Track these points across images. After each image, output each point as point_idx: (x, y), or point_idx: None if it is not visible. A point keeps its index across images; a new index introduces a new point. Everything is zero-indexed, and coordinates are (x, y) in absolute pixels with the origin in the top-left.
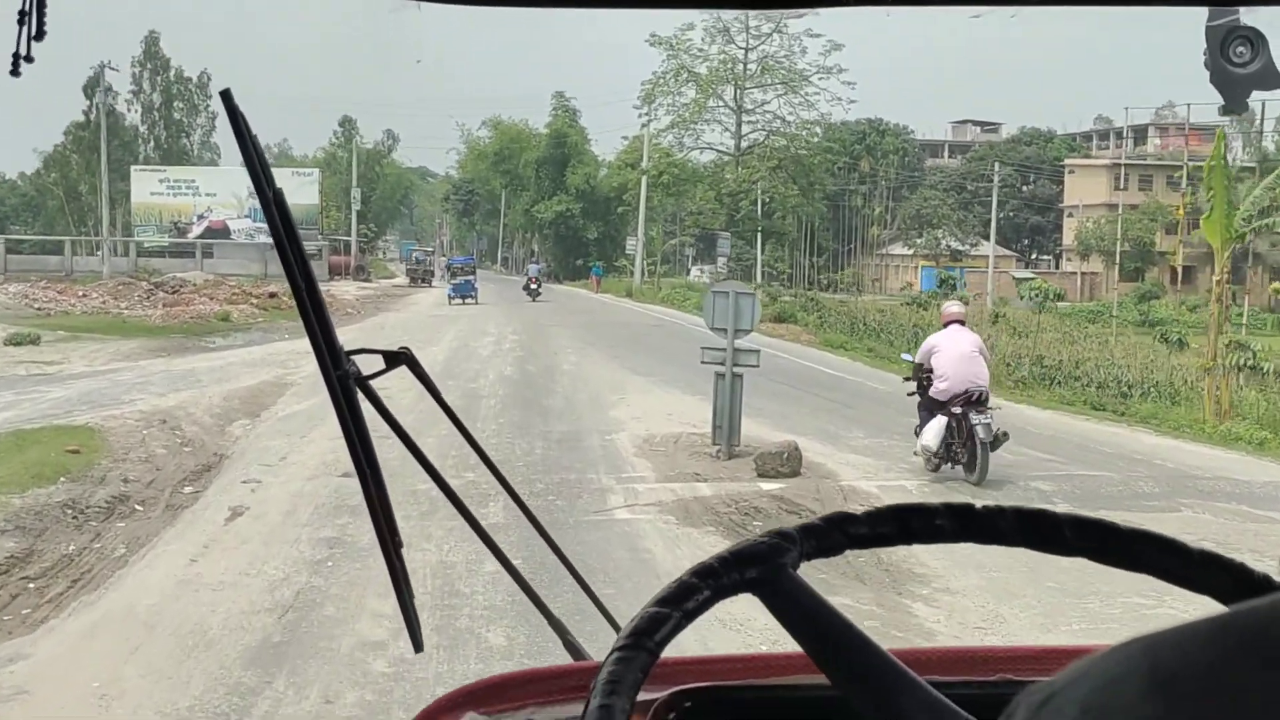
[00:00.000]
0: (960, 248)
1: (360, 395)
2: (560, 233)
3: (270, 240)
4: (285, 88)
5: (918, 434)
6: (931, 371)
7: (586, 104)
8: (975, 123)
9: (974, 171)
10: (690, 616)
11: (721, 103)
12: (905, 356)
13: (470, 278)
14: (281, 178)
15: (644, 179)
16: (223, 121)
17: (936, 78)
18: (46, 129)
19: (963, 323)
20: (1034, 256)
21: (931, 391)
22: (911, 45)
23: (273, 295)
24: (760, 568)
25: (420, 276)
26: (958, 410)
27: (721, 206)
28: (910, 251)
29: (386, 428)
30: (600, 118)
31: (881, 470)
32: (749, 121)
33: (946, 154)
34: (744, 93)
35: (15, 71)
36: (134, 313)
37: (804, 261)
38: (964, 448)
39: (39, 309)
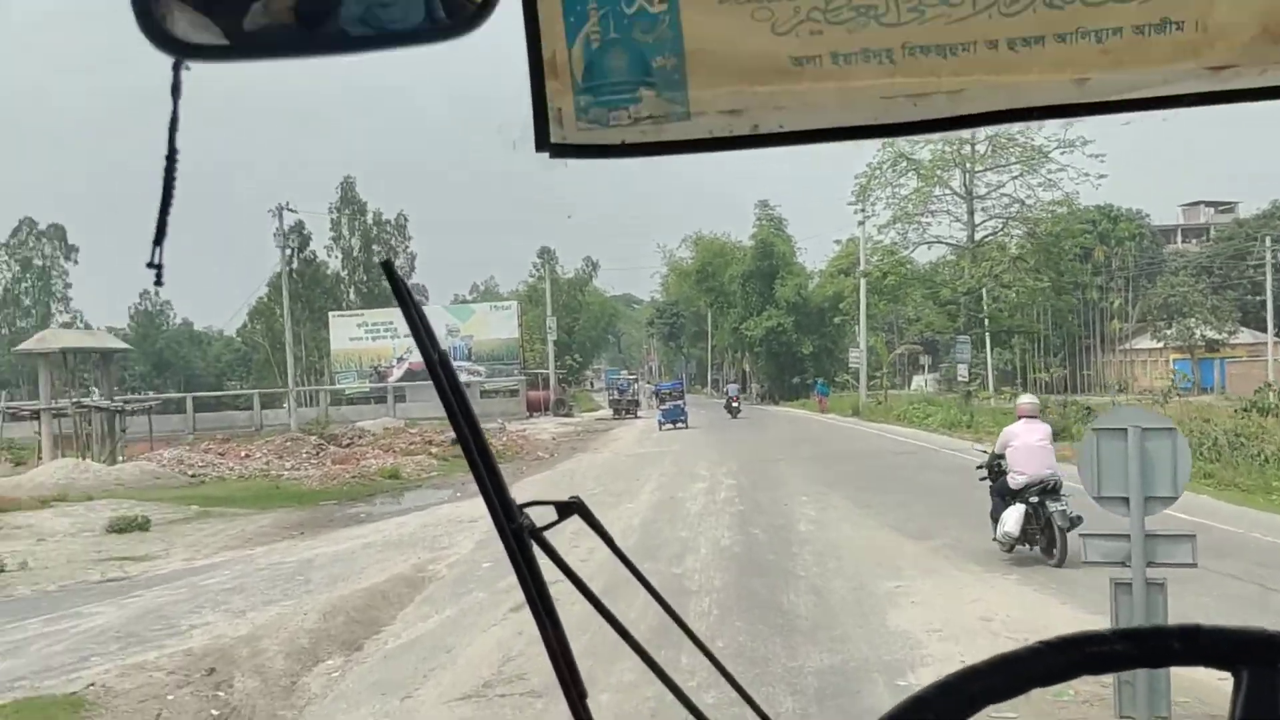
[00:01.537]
0: (1217, 336)
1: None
2: (772, 349)
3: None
4: (481, 221)
5: (994, 519)
6: (1004, 460)
7: (792, 210)
8: (1208, 204)
9: (1221, 253)
10: None
11: (948, 191)
12: (978, 448)
13: (679, 402)
14: (480, 313)
15: (862, 282)
16: (421, 262)
17: (1158, 160)
18: (259, 282)
19: (1034, 417)
20: None
21: (1010, 482)
22: (1132, 132)
23: (455, 443)
24: None
25: (624, 407)
26: (1034, 499)
27: (958, 307)
28: (1159, 344)
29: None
30: (808, 223)
31: None
32: (982, 209)
33: (1180, 238)
34: (974, 177)
35: (159, 281)
36: (297, 473)
37: (1037, 362)
38: (1042, 533)
39: (193, 475)
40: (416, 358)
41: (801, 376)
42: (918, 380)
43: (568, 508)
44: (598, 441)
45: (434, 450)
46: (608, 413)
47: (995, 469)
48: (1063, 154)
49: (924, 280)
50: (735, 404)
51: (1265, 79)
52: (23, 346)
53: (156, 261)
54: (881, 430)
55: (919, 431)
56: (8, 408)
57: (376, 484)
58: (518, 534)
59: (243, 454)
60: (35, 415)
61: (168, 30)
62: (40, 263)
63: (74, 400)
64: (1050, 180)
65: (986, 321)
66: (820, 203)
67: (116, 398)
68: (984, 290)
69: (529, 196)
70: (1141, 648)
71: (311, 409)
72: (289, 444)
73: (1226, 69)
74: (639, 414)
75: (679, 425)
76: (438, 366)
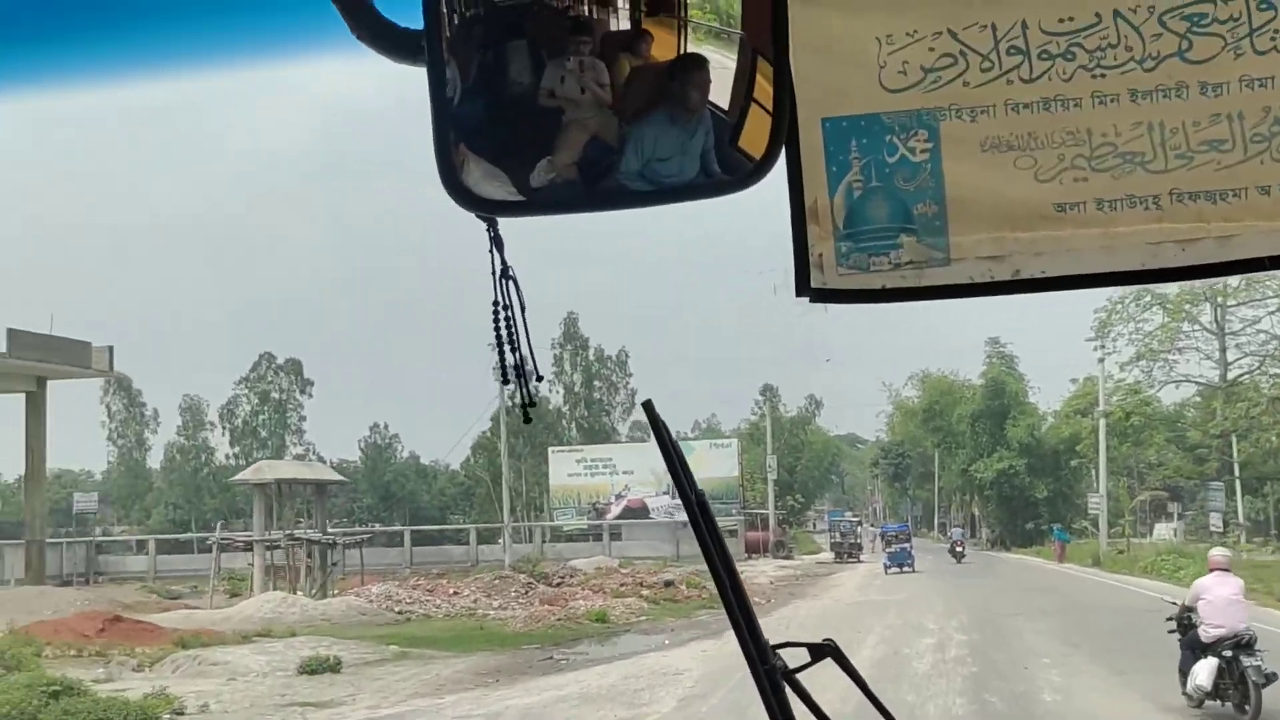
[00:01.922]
0: None
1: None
2: (1003, 493)
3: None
4: (705, 358)
5: (1182, 673)
6: (1194, 613)
7: (1025, 347)
8: None
9: None
10: None
11: (1197, 326)
12: (1166, 599)
13: (906, 545)
14: (699, 450)
15: (1102, 423)
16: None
17: None
18: (482, 416)
19: (1227, 570)
20: None
21: (1202, 635)
22: None
23: (669, 584)
24: None
25: (846, 550)
26: (1228, 653)
27: (1209, 450)
28: None
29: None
30: (1041, 361)
31: None
32: (1236, 345)
33: None
34: (1226, 312)
35: (527, 419)
36: (503, 613)
37: None
38: (1235, 689)
39: (400, 613)
40: (635, 494)
41: (1035, 522)
42: (1161, 528)
43: (821, 650)
44: (817, 587)
45: (645, 593)
46: (828, 555)
47: (1185, 622)
48: None
49: (1170, 421)
50: (960, 549)
51: None
52: (239, 477)
53: (523, 402)
54: (1125, 583)
55: (1170, 586)
56: (223, 538)
57: (582, 628)
58: (771, 675)
59: (451, 591)
60: (249, 546)
61: (470, 190)
62: (277, 396)
63: (286, 533)
64: None
65: (1238, 468)
66: (1054, 340)
67: (331, 530)
68: (1233, 434)
69: (756, 333)
70: None
71: (527, 545)
72: (498, 582)
73: None
74: (861, 557)
75: (905, 569)
76: (695, 507)
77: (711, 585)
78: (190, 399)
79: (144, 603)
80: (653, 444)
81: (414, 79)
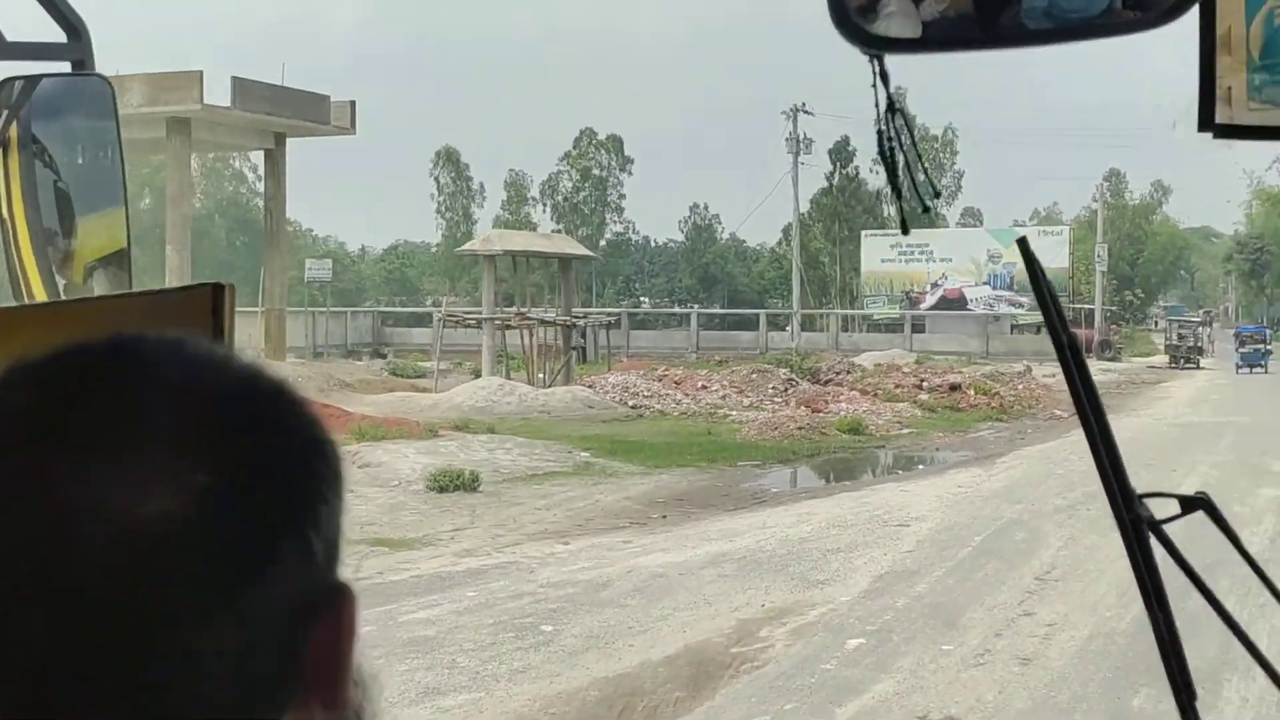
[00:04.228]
0: None
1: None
2: None
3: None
4: (1043, 136)
5: None
6: None
7: None
8: None
9: None
10: None
11: None
12: None
13: (1261, 346)
14: (1030, 237)
15: None
16: (969, 180)
17: None
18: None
19: None
20: None
21: None
22: None
23: (954, 388)
24: None
25: (1182, 355)
26: None
27: None
28: None
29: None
30: None
31: None
32: None
33: None
34: None
35: (905, 230)
36: (748, 414)
37: None
38: None
39: (633, 406)
40: (952, 284)
41: None
42: None
43: (1192, 503)
44: (1139, 399)
45: (923, 397)
46: (1163, 359)
47: None
48: None
49: None
50: None
51: None
52: (466, 247)
53: (900, 218)
54: None
55: None
56: (449, 314)
57: (826, 439)
58: (1136, 525)
59: (699, 385)
60: (479, 324)
61: (860, 26)
62: (598, 172)
63: (517, 311)
64: None
65: None
66: None
67: (597, 310)
68: None
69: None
70: None
71: (823, 335)
72: (755, 376)
73: None
74: (1201, 364)
75: (1256, 370)
76: (1066, 350)
77: (1005, 391)
78: (515, 173)
79: (371, 381)
80: (979, 230)
81: None
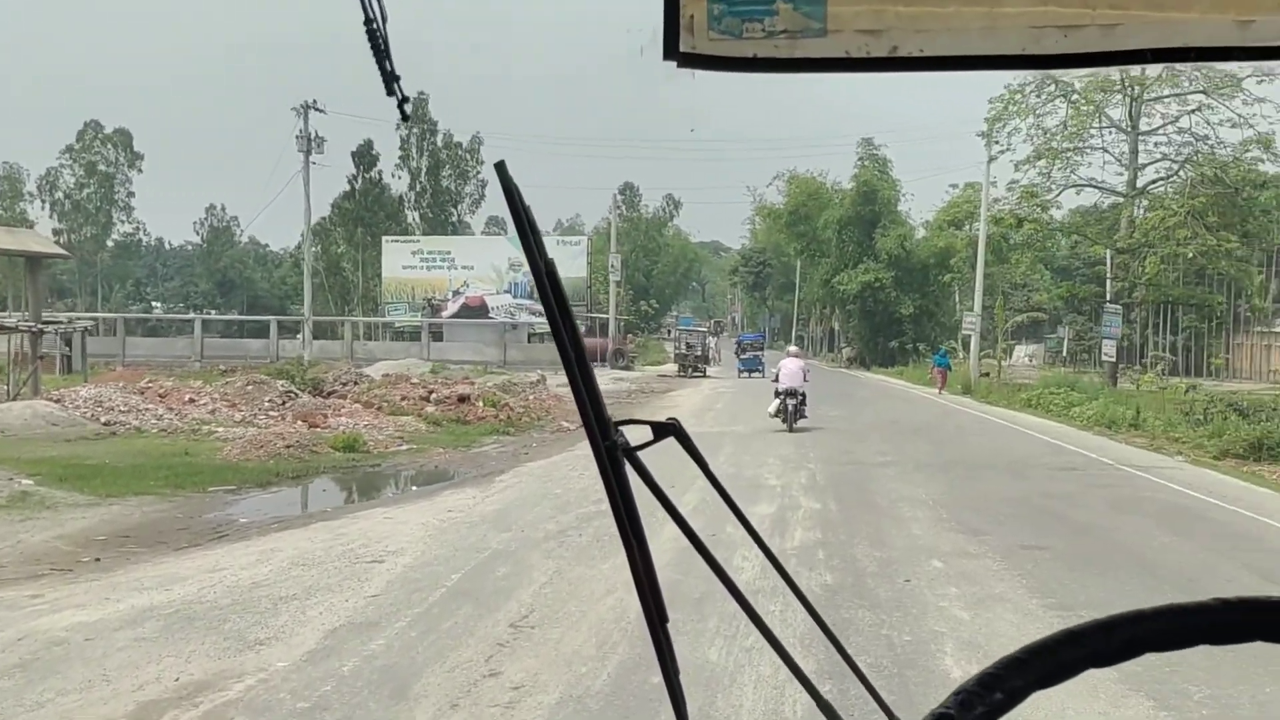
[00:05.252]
0: None
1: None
2: (867, 308)
3: (521, 320)
4: (569, 149)
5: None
6: (777, 377)
7: (900, 150)
8: None
9: None
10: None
11: (1106, 123)
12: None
13: (758, 354)
14: (549, 246)
15: (983, 230)
16: (493, 190)
17: None
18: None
19: (798, 357)
20: None
21: (778, 388)
22: None
23: (463, 400)
24: None
25: (691, 364)
26: (789, 399)
27: (1116, 267)
28: None
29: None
30: (915, 166)
31: None
32: (1145, 150)
33: None
34: (1142, 106)
35: (405, 117)
36: (236, 430)
37: (1159, 339)
38: (788, 415)
39: (106, 423)
40: (474, 291)
41: (900, 340)
42: (1019, 351)
43: (664, 429)
44: (646, 409)
45: (430, 410)
46: (674, 367)
47: (775, 380)
48: (1260, 83)
49: (1070, 231)
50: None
51: None
52: None
53: (399, 100)
54: (1013, 421)
55: (1066, 428)
56: None
57: (317, 458)
58: (611, 451)
59: (187, 397)
60: None
61: None
62: (105, 169)
63: None
64: (1241, 116)
65: (1136, 291)
66: (929, 146)
67: (59, 316)
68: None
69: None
70: None
71: (337, 342)
72: (250, 388)
73: None
74: (708, 371)
75: (755, 375)
76: (544, 275)
77: (515, 403)
78: (8, 166)
79: None
80: (500, 239)
81: None
